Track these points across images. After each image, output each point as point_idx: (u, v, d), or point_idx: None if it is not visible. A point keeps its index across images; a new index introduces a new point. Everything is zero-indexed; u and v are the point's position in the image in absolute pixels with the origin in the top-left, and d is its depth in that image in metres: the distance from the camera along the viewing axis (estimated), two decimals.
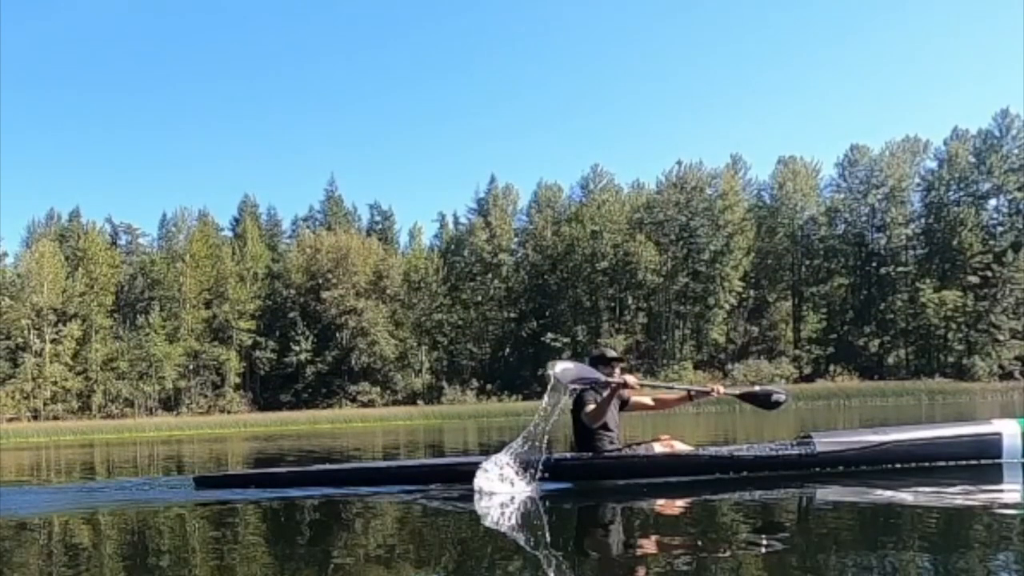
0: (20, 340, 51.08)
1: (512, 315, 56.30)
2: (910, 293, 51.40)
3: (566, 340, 53.35)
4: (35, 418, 47.26)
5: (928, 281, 50.72)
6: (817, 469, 5.19)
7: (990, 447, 5.25)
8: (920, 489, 4.45)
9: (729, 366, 51.41)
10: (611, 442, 5.41)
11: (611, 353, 5.65)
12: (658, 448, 5.40)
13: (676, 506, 4.47)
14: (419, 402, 50.06)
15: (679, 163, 55.78)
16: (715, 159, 71.36)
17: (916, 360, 51.43)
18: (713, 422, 19.91)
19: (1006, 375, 46.22)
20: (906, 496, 4.27)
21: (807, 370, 50.72)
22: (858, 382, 45.26)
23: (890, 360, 52.13)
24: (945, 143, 52.47)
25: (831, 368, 49.73)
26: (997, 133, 50.94)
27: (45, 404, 49.62)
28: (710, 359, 53.84)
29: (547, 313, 55.42)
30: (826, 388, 42.61)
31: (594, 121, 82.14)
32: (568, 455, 5.54)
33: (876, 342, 52.45)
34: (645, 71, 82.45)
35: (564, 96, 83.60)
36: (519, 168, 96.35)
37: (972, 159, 50.94)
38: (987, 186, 51.05)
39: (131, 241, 61.04)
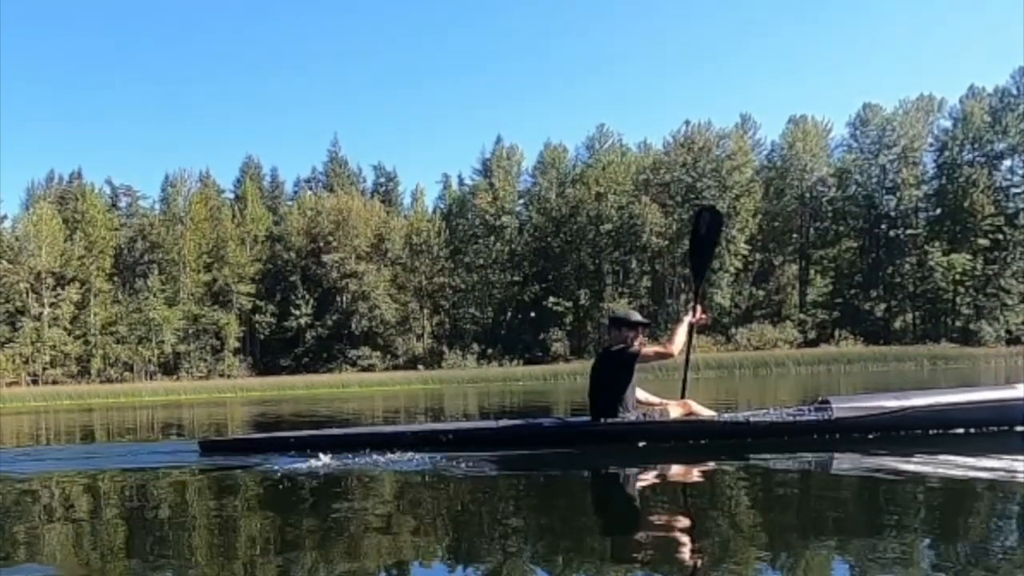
0: (19, 304, 50.72)
1: (515, 278, 55.74)
2: (919, 256, 50.66)
3: (568, 304, 52.90)
4: (34, 383, 47.08)
5: (937, 244, 49.92)
6: (835, 435, 5.04)
7: (1015, 413, 5.04)
8: (940, 457, 4.30)
9: (732, 330, 51.00)
10: (629, 407, 5.19)
11: (636, 316, 5.39)
12: (674, 412, 5.22)
13: (688, 472, 4.47)
14: (420, 367, 49.84)
15: (687, 123, 54.62)
16: (725, 119, 70.06)
17: (923, 325, 50.96)
18: (714, 387, 19.77)
19: (1013, 340, 45.81)
20: (926, 465, 4.14)
21: (812, 335, 50.29)
22: (862, 347, 44.79)
23: (896, 325, 51.67)
24: (961, 101, 51.11)
25: (836, 333, 49.29)
26: (1014, 91, 49.58)
27: (44, 369, 49.42)
28: (713, 323, 53.39)
29: (550, 276, 54.87)
30: (827, 353, 42.11)
31: (603, 80, 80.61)
32: (583, 419, 5.36)
33: (882, 306, 51.92)
34: (654, 29, 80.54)
35: (572, 55, 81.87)
36: (526, 128, 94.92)
37: (987, 118, 49.62)
38: (1002, 146, 49.84)
39: (131, 203, 60.20)
